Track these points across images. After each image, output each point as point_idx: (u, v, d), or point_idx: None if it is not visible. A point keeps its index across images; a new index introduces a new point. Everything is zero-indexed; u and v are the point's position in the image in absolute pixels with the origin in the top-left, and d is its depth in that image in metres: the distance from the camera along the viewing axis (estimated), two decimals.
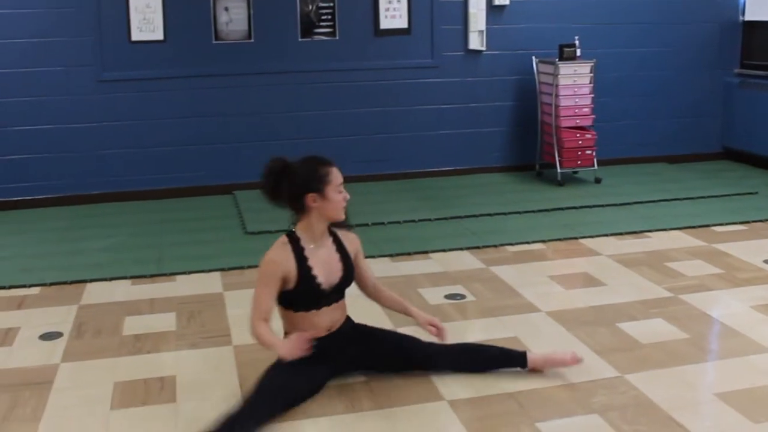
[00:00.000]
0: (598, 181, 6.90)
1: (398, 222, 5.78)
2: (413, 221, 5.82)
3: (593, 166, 6.89)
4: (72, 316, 4.23)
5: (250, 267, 4.89)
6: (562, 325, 4.00)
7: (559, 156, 6.82)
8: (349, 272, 3.40)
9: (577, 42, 6.81)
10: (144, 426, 3.11)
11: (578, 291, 4.50)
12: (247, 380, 3.44)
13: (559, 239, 5.40)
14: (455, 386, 3.37)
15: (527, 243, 5.31)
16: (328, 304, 3.34)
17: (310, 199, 3.30)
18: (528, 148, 7.29)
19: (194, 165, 6.77)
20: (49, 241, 5.58)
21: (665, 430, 3.01)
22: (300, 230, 3.36)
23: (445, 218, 5.88)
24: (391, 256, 5.09)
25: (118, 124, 6.58)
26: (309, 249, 3.31)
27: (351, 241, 3.49)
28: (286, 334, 3.37)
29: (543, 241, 5.34)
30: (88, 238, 5.61)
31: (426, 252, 5.15)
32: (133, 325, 4.09)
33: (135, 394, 3.37)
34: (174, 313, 4.23)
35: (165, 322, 4.12)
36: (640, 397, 3.26)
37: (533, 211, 6.05)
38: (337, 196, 3.33)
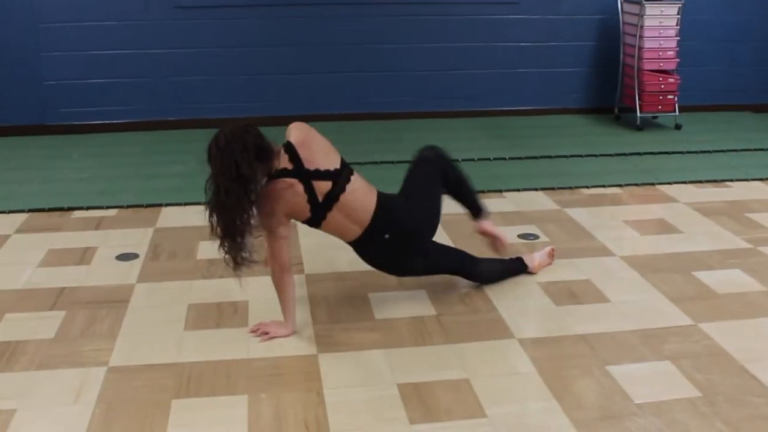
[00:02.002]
0: (678, 127, 6.71)
1: (472, 159, 5.70)
2: (488, 159, 5.75)
3: (674, 111, 6.69)
4: (148, 238, 4.31)
5: None
6: (636, 270, 3.93)
7: (639, 100, 6.64)
8: None
9: None
10: (216, 347, 3.17)
11: (654, 237, 4.41)
12: (318, 307, 3.48)
13: (636, 184, 5.28)
14: (526, 325, 3.36)
15: (603, 186, 5.21)
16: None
17: None
18: (607, 91, 7.11)
19: (270, 95, 6.77)
20: (126, 165, 5.67)
21: (738, 381, 2.96)
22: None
23: (520, 158, 5.80)
24: None
25: (194, 51, 6.60)
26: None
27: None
28: None
29: (619, 185, 5.23)
30: (163, 164, 5.69)
31: (500, 191, 5.09)
32: (207, 250, 4.13)
33: (208, 316, 3.43)
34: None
35: None
36: (713, 347, 3.20)
37: (610, 155, 5.92)
38: None
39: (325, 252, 4.10)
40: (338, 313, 3.45)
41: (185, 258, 4.06)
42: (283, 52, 6.72)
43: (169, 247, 4.20)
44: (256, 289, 3.66)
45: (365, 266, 3.88)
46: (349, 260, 3.98)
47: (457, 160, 3.98)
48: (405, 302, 3.56)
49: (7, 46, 6.38)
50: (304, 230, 4.36)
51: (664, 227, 4.55)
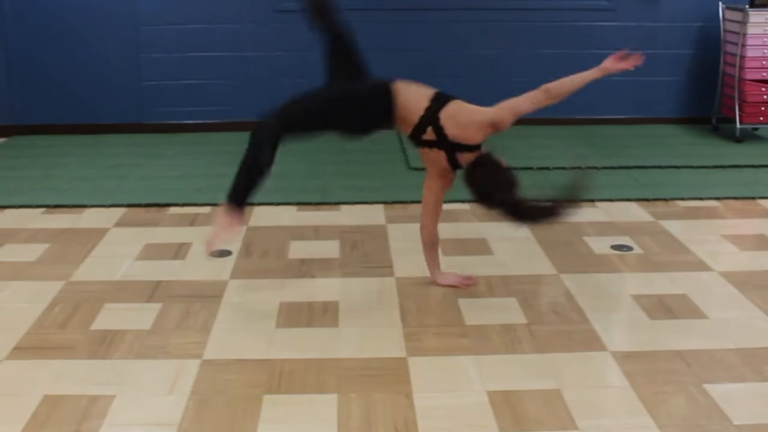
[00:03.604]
0: None
1: (564, 168, 5.62)
2: (579, 168, 5.65)
3: None
4: (241, 236, 4.38)
5: (412, 202, 4.90)
6: (735, 286, 3.81)
7: (739, 110, 6.44)
8: None
9: None
10: (307, 346, 3.20)
11: (753, 253, 4.27)
12: (408, 311, 3.48)
13: (735, 197, 5.12)
14: (619, 338, 3.29)
15: (700, 199, 5.07)
16: None
17: None
18: (705, 101, 6.93)
19: None
20: (221, 164, 5.76)
21: None
22: None
23: (613, 167, 5.69)
24: None
25: (290, 54, 6.68)
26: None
27: None
28: None
29: (717, 198, 5.08)
30: None
31: (592, 200, 5.00)
32: (298, 250, 4.19)
33: (299, 315, 3.46)
34: (338, 241, 4.30)
35: (329, 249, 4.21)
36: None
37: (707, 167, 5.76)
38: None
39: (415, 256, 4.10)
40: (428, 318, 3.44)
41: (277, 257, 4.11)
42: (380, 56, 6.69)
43: (261, 245, 4.26)
44: (346, 290, 3.69)
45: (455, 271, 3.89)
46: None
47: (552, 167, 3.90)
48: (495, 309, 3.53)
49: (109, 47, 6.60)
50: (394, 235, 4.39)
51: (765, 243, 4.40)
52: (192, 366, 3.04)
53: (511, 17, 6.77)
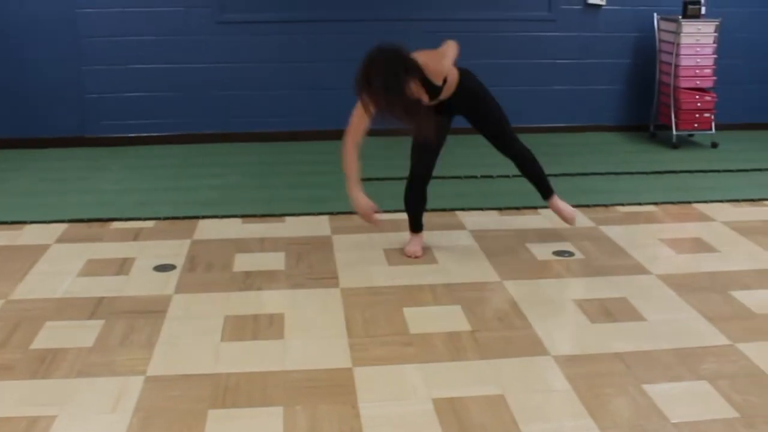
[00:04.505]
0: (714, 145, 6.67)
1: (507, 176, 5.71)
2: (522, 176, 5.73)
3: (711, 129, 6.65)
4: (185, 249, 4.36)
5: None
6: (673, 289, 3.90)
7: (675, 117, 6.61)
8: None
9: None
10: (252, 359, 3.19)
11: (690, 256, 4.38)
12: (354, 321, 3.50)
13: (672, 202, 5.25)
14: (561, 342, 3.35)
15: (638, 204, 5.18)
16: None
17: None
18: (643, 108, 7.09)
19: (306, 109, 6.83)
20: (164, 178, 5.74)
21: None
22: None
23: (555, 175, 5.74)
24: (499, 209, 5.07)
25: (234, 65, 6.68)
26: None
27: None
28: None
29: (655, 204, 5.20)
30: (201, 177, 5.76)
31: (535, 207, 5.09)
32: (243, 262, 4.19)
33: (244, 328, 3.45)
34: (283, 253, 4.31)
35: (274, 261, 4.21)
36: (751, 368, 3.16)
37: (645, 173, 5.89)
38: None
39: (360, 266, 4.13)
40: (373, 327, 3.46)
41: (222, 270, 4.10)
42: (324, 67, 6.77)
43: (206, 258, 4.24)
44: (292, 301, 3.70)
45: (400, 281, 3.93)
46: (384, 274, 4.02)
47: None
48: (440, 317, 3.56)
49: (50, 59, 6.51)
50: (339, 246, 4.40)
51: (701, 246, 4.51)
52: (136, 383, 3.01)
53: (455, 28, 6.83)
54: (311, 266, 4.14)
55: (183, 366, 3.14)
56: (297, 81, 6.77)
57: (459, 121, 7.15)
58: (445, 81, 4.04)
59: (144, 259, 4.24)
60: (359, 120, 3.99)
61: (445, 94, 4.09)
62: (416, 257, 4.25)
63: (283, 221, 4.84)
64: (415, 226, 4.35)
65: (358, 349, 3.26)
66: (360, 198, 4.04)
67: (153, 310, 3.62)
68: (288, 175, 5.82)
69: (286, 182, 5.63)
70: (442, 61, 4.02)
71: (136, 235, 4.61)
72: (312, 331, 3.41)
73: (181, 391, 2.96)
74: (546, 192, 4.49)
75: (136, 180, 5.70)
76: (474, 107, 4.26)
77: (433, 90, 4.01)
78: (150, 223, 4.80)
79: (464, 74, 4.21)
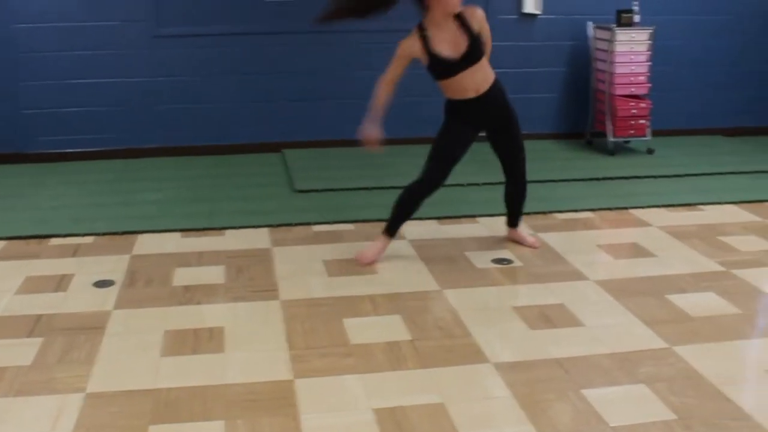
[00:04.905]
0: (650, 151, 6.80)
1: (446, 185, 5.72)
2: (461, 185, 5.79)
3: (646, 136, 6.79)
4: (124, 265, 4.31)
5: (297, 224, 4.93)
6: (610, 294, 3.97)
7: (611, 125, 6.73)
8: (475, 43, 4.23)
9: (636, 8, 6.68)
10: (192, 373, 3.17)
11: (627, 261, 4.46)
12: (294, 333, 3.49)
13: (609, 208, 5.34)
14: (501, 350, 3.38)
15: (576, 211, 5.27)
16: (463, 70, 4.21)
17: None
18: (579, 116, 7.20)
19: (245, 122, 6.80)
20: (102, 193, 5.67)
21: (713, 404, 2.99)
22: (426, 21, 4.27)
23: (493, 183, 5.82)
24: (438, 218, 5.10)
25: (171, 79, 6.62)
26: (433, 33, 4.23)
27: (474, 16, 4.25)
28: (449, 100, 4.37)
29: (592, 210, 5.29)
30: (139, 191, 5.69)
31: (474, 216, 5.13)
32: (183, 277, 4.15)
33: (184, 342, 3.43)
34: (223, 267, 4.28)
35: (214, 274, 4.18)
36: (688, 370, 3.23)
37: (583, 180, 5.99)
38: None
39: (300, 278, 4.12)
40: (314, 339, 3.46)
41: (161, 284, 4.06)
42: (261, 80, 6.76)
43: (145, 273, 4.20)
44: (232, 315, 3.68)
45: (340, 291, 3.94)
46: (324, 286, 4.02)
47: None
48: (380, 327, 3.57)
49: None
50: (280, 258, 4.39)
51: (638, 251, 4.60)
52: (76, 400, 2.97)
53: (391, 39, 6.86)
54: (251, 279, 4.12)
55: (123, 382, 3.10)
56: (234, 94, 6.74)
57: (396, 131, 7.18)
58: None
59: (83, 275, 4.18)
60: (396, 58, 4.35)
61: (483, 83, 4.32)
62: (370, 264, 4.29)
63: (222, 234, 4.81)
64: (393, 232, 4.39)
65: (299, 361, 3.26)
66: (370, 127, 4.31)
67: (92, 327, 3.57)
68: (227, 188, 5.78)
69: (226, 195, 5.59)
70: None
71: (74, 252, 4.54)
72: (252, 344, 3.40)
73: (122, 407, 2.93)
74: (517, 221, 4.67)
75: (74, 196, 5.61)
76: (503, 116, 4.46)
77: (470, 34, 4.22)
78: (89, 239, 4.73)
79: (498, 80, 4.43)
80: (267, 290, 3.97)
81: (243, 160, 6.57)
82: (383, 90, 4.35)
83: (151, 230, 4.83)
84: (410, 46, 4.27)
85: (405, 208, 4.36)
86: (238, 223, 4.97)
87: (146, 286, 4.05)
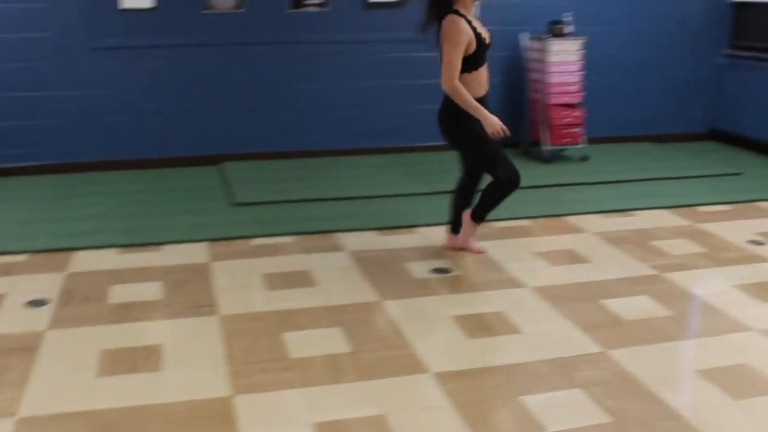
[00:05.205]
0: (584, 159, 6.92)
1: (385, 196, 5.79)
2: (401, 195, 5.83)
3: (581, 144, 6.91)
4: (59, 283, 4.23)
5: (238, 238, 4.90)
6: (547, 300, 4.03)
7: (546, 133, 6.84)
8: (491, 34, 4.37)
9: (568, 19, 6.80)
10: (130, 393, 3.12)
11: (563, 267, 4.53)
12: (234, 349, 3.47)
13: (545, 216, 5.42)
14: (440, 359, 3.40)
15: (513, 219, 5.33)
16: (485, 61, 4.33)
17: None
18: (515, 125, 7.24)
19: (183, 135, 6.74)
20: (37, 209, 5.56)
21: (647, 406, 3.06)
22: (459, 8, 4.22)
23: (431, 193, 5.89)
24: (378, 229, 5.11)
25: (107, 92, 6.54)
26: (470, 18, 4.24)
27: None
28: (450, 98, 4.28)
29: (529, 218, 5.36)
30: (76, 207, 5.60)
31: (413, 226, 5.17)
32: (120, 294, 4.09)
33: (121, 361, 3.38)
34: (161, 282, 4.23)
35: (152, 291, 4.13)
36: (622, 373, 3.30)
37: (520, 188, 6.03)
38: None
39: (239, 292, 4.10)
40: (253, 354, 3.44)
41: (97, 302, 3.99)
42: (199, 93, 6.71)
43: (81, 292, 4.13)
44: (170, 332, 3.64)
45: (280, 305, 3.93)
46: (264, 299, 4.01)
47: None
48: (320, 340, 3.57)
49: None
50: (219, 273, 4.36)
51: (573, 257, 4.68)
52: (7, 425, 2.90)
53: (330, 51, 6.89)
54: (190, 295, 4.08)
55: (57, 404, 3.05)
56: (174, 106, 6.68)
57: (336, 142, 7.20)
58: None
59: (16, 294, 4.10)
60: (457, 46, 4.19)
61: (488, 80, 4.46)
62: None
63: (160, 250, 4.76)
64: (482, 220, 4.64)
65: (238, 377, 3.24)
66: (491, 116, 4.27)
67: (25, 348, 3.50)
68: (167, 202, 5.72)
69: (164, 210, 5.54)
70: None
71: (8, 270, 4.44)
72: (191, 361, 3.37)
73: (56, 431, 2.87)
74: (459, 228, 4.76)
75: (6, 212, 5.49)
76: None
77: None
78: (23, 257, 4.64)
79: None
80: (206, 305, 3.94)
81: (183, 174, 6.52)
82: (461, 87, 4.22)
83: (88, 247, 4.76)
84: (466, 31, 4.18)
85: (495, 201, 4.54)
86: (176, 237, 4.92)
87: (82, 304, 3.98)
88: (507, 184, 4.46)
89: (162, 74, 6.61)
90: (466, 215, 4.64)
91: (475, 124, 4.29)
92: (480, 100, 4.30)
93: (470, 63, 4.25)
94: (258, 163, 6.69)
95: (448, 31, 4.18)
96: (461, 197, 4.69)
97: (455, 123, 4.37)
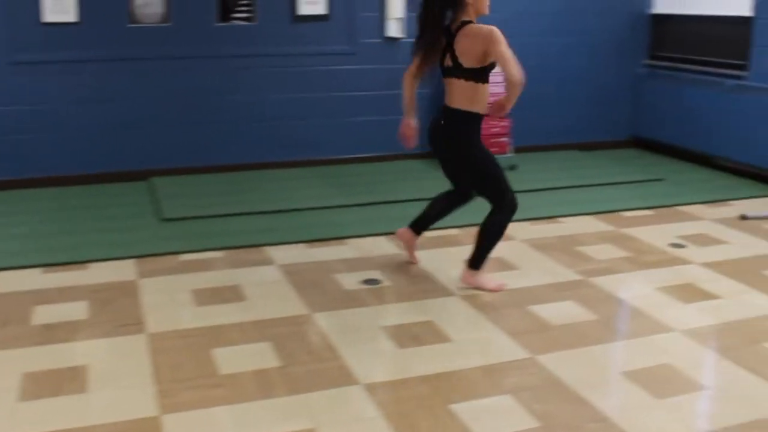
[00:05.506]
0: (512, 168, 7.01)
1: (314, 208, 5.78)
2: (330, 207, 5.83)
3: (508, 153, 7.00)
4: None
5: (166, 254, 4.84)
6: (476, 308, 4.08)
7: None
8: None
9: None
10: (53, 417, 3.05)
11: (492, 275, 4.57)
12: (161, 367, 3.42)
13: (474, 224, 5.42)
14: (370, 370, 3.41)
15: (442, 228, 5.36)
16: None
17: None
18: None
19: (110, 151, 6.62)
20: None
21: (574, 409, 3.11)
22: (470, 18, 4.12)
23: (361, 204, 5.91)
24: (307, 242, 5.10)
25: (31, 108, 6.38)
26: None
27: None
28: (464, 112, 4.19)
29: (458, 227, 5.40)
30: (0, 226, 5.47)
31: (342, 238, 5.17)
32: (43, 315, 3.99)
33: (45, 384, 3.29)
34: (86, 302, 4.15)
35: (77, 310, 4.05)
36: (550, 378, 3.36)
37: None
38: None
39: (167, 309, 4.05)
40: (181, 372, 3.39)
41: (19, 324, 3.89)
42: (125, 107, 6.61)
43: (1, 314, 4.01)
44: (96, 352, 3.57)
45: (208, 321, 3.89)
46: (192, 316, 3.96)
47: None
48: (249, 355, 3.54)
49: None
50: (146, 290, 4.30)
51: (502, 264, 4.73)
52: None
53: (258, 63, 6.87)
54: (116, 313, 4.01)
55: None
56: (99, 121, 6.56)
57: (264, 155, 7.17)
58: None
59: None
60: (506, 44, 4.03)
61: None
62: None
63: (86, 268, 4.66)
64: (482, 265, 4.37)
65: (166, 396, 3.19)
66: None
67: None
68: (92, 219, 5.60)
69: (91, 227, 5.42)
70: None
71: None
72: (117, 381, 3.31)
73: None
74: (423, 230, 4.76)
75: None
76: None
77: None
78: None
79: None
80: (133, 324, 3.88)
81: (110, 190, 6.39)
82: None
83: (10, 267, 4.64)
84: None
85: (495, 239, 4.32)
86: (102, 255, 4.83)
87: (2, 327, 3.87)
88: (512, 210, 4.27)
89: (87, 89, 6.49)
90: (464, 271, 4.39)
91: (475, 138, 4.19)
92: (483, 117, 4.22)
93: (486, 74, 4.17)
94: (186, 178, 6.62)
95: (489, 34, 4.00)
96: (443, 207, 4.67)
97: (466, 141, 4.19)
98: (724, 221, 5.62)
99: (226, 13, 6.72)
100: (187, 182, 6.51)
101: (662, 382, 3.33)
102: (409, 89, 4.48)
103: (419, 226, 4.69)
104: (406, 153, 7.29)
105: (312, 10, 6.92)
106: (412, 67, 4.39)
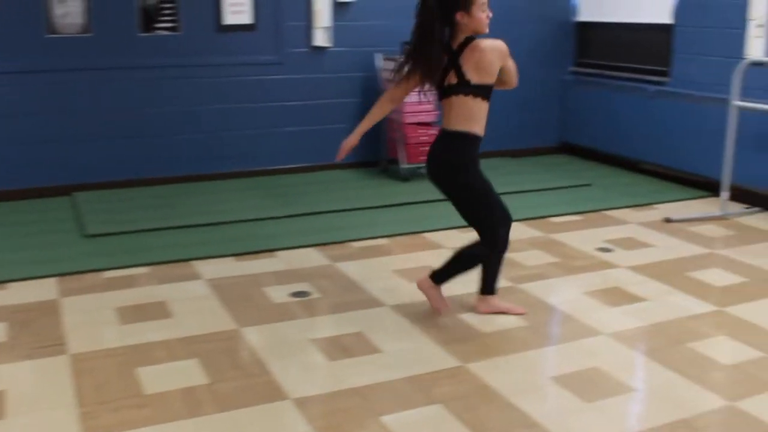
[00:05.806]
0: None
1: (243, 220, 5.71)
2: (258, 219, 5.76)
3: None
4: None
5: (89, 271, 4.71)
6: (407, 318, 4.06)
7: (403, 152, 6.92)
8: None
9: None
10: None
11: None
12: (84, 389, 3.32)
13: (403, 234, 5.47)
14: (299, 384, 3.37)
15: (372, 238, 5.36)
16: None
17: (459, 16, 3.81)
18: (373, 145, 7.35)
19: (30, 166, 6.43)
20: None
21: (505, 416, 3.11)
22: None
23: (291, 215, 5.85)
24: (235, 255, 5.02)
25: None
26: None
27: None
28: (464, 134, 3.97)
29: (387, 236, 5.40)
30: None
31: (272, 250, 5.11)
32: None
33: None
34: (5, 324, 4.00)
35: None
36: (481, 385, 3.36)
37: (378, 207, 6.11)
38: (481, 14, 3.88)
39: (90, 328, 3.93)
40: (105, 393, 3.29)
41: None
42: (45, 120, 6.43)
43: None
44: (14, 376, 3.45)
45: (133, 339, 3.80)
46: (117, 334, 3.87)
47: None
48: (176, 373, 3.46)
49: None
50: (68, 309, 4.18)
51: None
52: None
53: (182, 74, 6.77)
54: (37, 334, 3.88)
55: None
56: (12, 136, 6.35)
57: (192, 168, 7.07)
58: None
59: None
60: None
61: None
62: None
63: (5, 288, 4.50)
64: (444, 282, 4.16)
65: (90, 418, 3.09)
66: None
67: None
68: (12, 236, 5.43)
69: (10, 245, 5.25)
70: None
71: None
72: (38, 406, 3.19)
73: None
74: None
75: None
76: None
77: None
78: None
79: None
80: (54, 345, 3.75)
81: (30, 206, 6.21)
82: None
83: None
84: None
85: (464, 269, 4.12)
86: (22, 274, 4.67)
87: None
88: (495, 248, 4.06)
89: (3, 102, 6.31)
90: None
91: (472, 165, 3.97)
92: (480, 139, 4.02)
93: (491, 91, 4.04)
94: (111, 193, 6.48)
95: (506, 49, 4.01)
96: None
97: (461, 170, 3.98)
98: (650, 224, 5.73)
99: (148, 23, 6.61)
100: (111, 197, 6.37)
101: (591, 385, 3.36)
102: (379, 113, 4.28)
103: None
104: (335, 163, 7.28)
105: (238, 19, 6.86)
106: (396, 91, 4.11)
